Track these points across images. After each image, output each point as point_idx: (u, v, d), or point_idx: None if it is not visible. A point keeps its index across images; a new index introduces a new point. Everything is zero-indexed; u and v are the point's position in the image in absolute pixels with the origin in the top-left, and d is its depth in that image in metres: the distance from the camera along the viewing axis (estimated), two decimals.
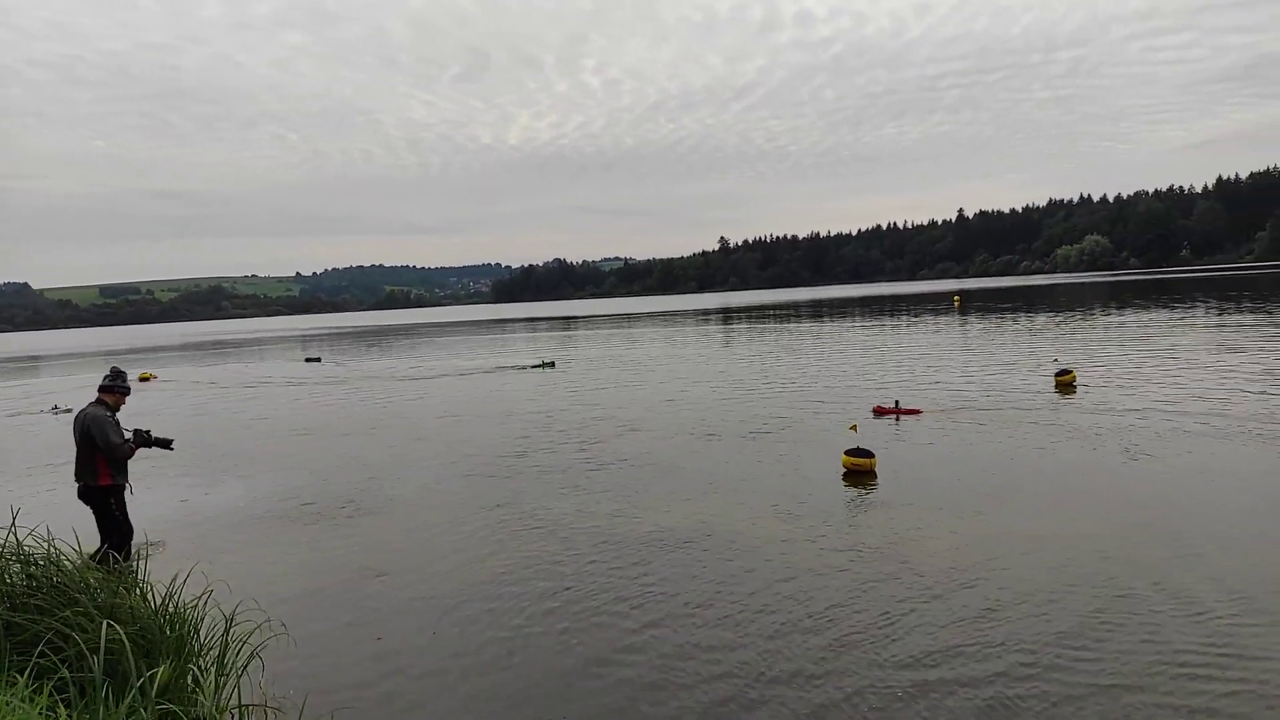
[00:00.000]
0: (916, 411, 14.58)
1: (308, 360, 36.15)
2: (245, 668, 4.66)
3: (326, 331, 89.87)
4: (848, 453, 10.41)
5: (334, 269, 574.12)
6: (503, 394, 21.00)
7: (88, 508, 7.41)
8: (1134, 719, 4.42)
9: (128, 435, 7.51)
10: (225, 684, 4.56)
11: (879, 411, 14.80)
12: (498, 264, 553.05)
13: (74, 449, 7.30)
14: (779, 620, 5.89)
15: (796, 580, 6.65)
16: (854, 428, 11.54)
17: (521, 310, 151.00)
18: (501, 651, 5.65)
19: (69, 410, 21.22)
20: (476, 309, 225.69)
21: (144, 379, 31.66)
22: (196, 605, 4.96)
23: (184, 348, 65.63)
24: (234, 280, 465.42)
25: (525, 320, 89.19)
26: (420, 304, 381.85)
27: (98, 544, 7.27)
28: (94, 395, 7.61)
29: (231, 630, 4.74)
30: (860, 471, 10.12)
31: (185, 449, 14.54)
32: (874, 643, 5.45)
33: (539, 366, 27.46)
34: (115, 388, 7.67)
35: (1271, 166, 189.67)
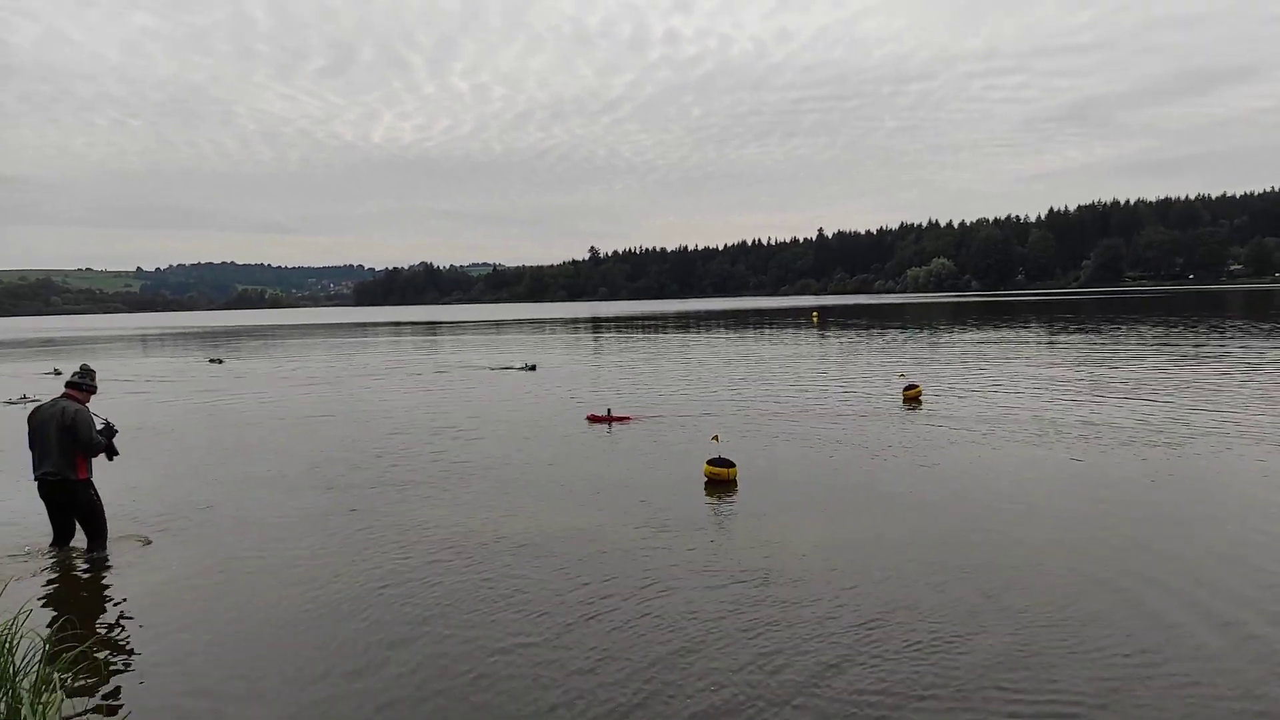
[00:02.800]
0: (627, 419, 15.42)
1: (211, 361, 34.03)
2: (69, 689, 4.29)
3: (168, 331, 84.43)
4: (709, 462, 10.60)
5: (180, 265, 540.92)
6: (361, 398, 20.29)
7: (42, 502, 7.76)
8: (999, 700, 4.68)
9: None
10: (48, 710, 4.19)
11: (593, 419, 15.47)
12: (360, 265, 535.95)
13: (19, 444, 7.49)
14: (649, 626, 5.91)
15: (657, 584, 6.69)
16: (716, 438, 11.77)
17: (385, 314, 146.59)
18: (339, 669, 5.42)
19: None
20: (338, 311, 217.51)
21: None
22: (10, 625, 4.53)
23: (1, 344, 60.15)
24: (66, 273, 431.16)
25: (390, 325, 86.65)
26: (276, 304, 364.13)
27: (53, 536, 7.86)
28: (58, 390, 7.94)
29: (52, 652, 4.34)
30: (721, 481, 10.33)
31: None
32: (738, 643, 5.55)
33: (523, 368, 26.95)
34: (85, 385, 7.94)
35: (1097, 200, 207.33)
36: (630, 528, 8.49)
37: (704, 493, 9.94)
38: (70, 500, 7.78)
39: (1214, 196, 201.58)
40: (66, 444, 7.64)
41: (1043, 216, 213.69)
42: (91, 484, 7.89)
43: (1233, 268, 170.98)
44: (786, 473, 10.91)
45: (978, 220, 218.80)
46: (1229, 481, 9.86)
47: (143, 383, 26.28)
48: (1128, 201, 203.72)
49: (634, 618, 6.11)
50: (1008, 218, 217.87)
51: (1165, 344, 28.95)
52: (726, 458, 10.64)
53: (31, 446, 7.84)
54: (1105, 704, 4.75)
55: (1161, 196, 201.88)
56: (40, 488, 7.79)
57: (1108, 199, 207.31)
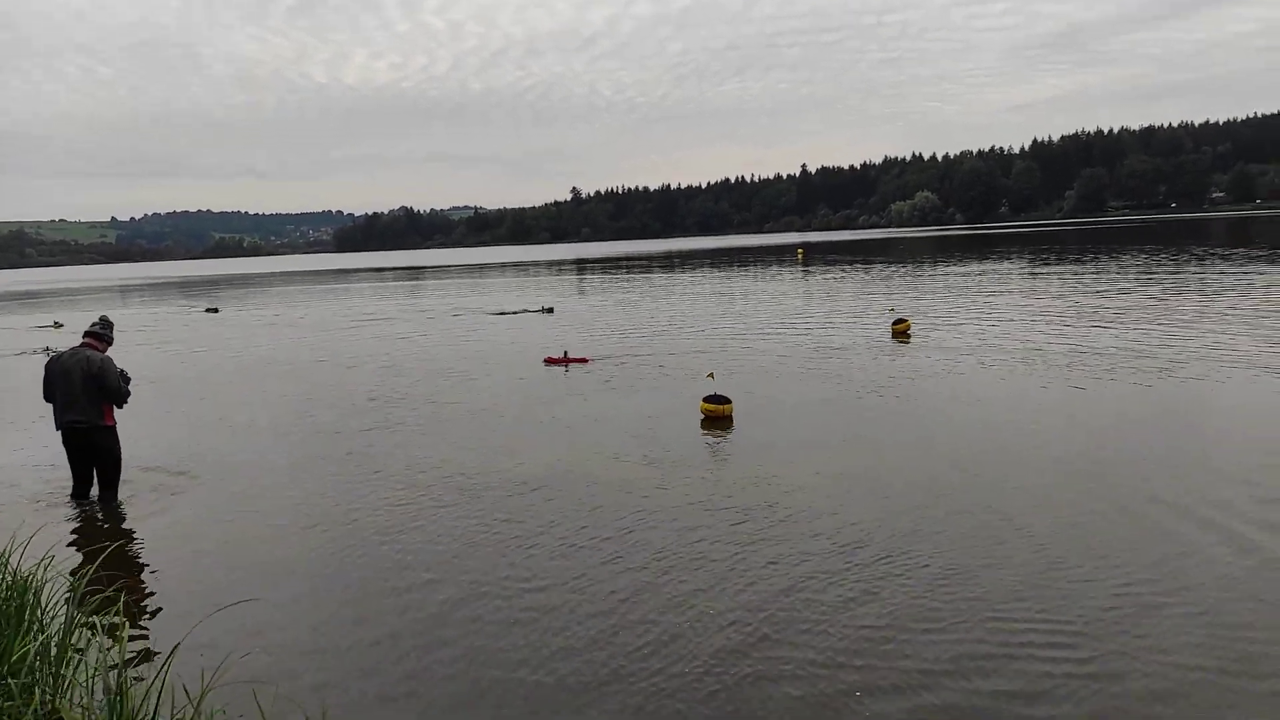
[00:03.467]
0: (585, 360, 15.53)
1: (207, 310, 33.86)
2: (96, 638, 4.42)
3: (150, 282, 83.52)
4: (705, 399, 10.77)
5: (155, 214, 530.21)
6: (355, 343, 20.30)
7: (63, 450, 8.01)
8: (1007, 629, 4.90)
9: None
10: (75, 658, 4.32)
11: (550, 362, 15.61)
12: (339, 211, 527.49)
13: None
14: (659, 565, 6.10)
15: (660, 523, 6.88)
16: (711, 375, 11.92)
17: (369, 260, 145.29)
18: (348, 613, 5.60)
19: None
20: (319, 258, 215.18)
21: None
22: (37, 570, 4.65)
23: None
24: (39, 225, 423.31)
25: (375, 270, 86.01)
26: (255, 253, 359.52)
27: (73, 486, 8.06)
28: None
29: (81, 599, 4.46)
30: (717, 417, 10.50)
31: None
32: (749, 578, 5.75)
33: (540, 310, 26.68)
34: (106, 335, 8.21)
35: (1081, 130, 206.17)
36: (628, 465, 8.66)
37: (700, 429, 10.11)
38: (96, 447, 7.95)
39: (1197, 124, 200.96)
40: (93, 392, 7.82)
41: (1026, 147, 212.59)
42: (115, 431, 8.07)
43: (1215, 195, 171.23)
44: (781, 408, 11.09)
45: (961, 153, 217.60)
46: (1224, 402, 10.12)
47: (145, 333, 26.15)
48: (1111, 130, 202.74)
49: (636, 554, 6.29)
50: (991, 149, 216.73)
51: (1148, 272, 29.20)
52: (722, 394, 10.80)
53: (50, 396, 7.95)
54: (1126, 628, 4.86)
55: (1145, 124, 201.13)
56: (66, 435, 7.91)
57: (1091, 128, 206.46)
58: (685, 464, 8.60)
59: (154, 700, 3.18)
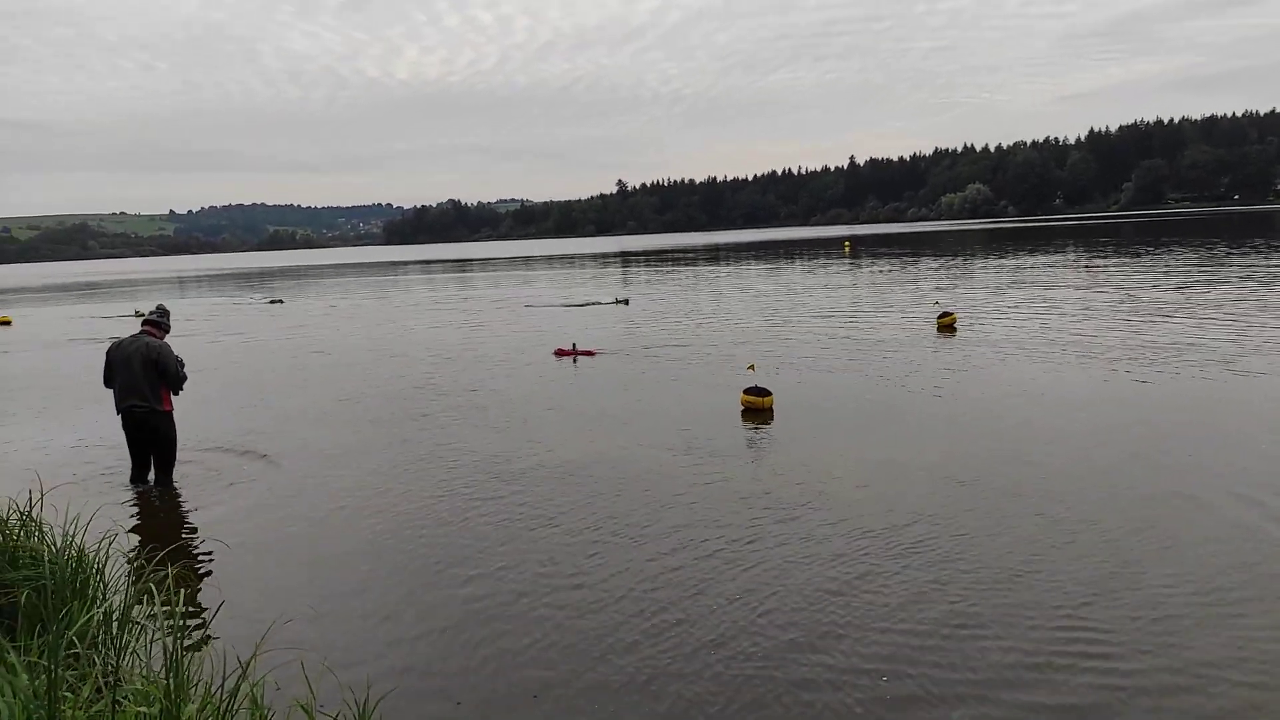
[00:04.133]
0: (591, 352, 15.82)
1: (271, 302, 34.74)
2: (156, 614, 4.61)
3: (212, 273, 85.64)
4: (746, 391, 10.78)
5: (211, 207, 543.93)
6: (407, 333, 20.66)
7: (123, 433, 8.28)
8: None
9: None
10: (134, 631, 4.52)
11: (560, 353, 15.92)
12: (389, 204, 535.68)
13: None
14: (710, 552, 6.17)
15: (709, 513, 6.94)
16: (751, 367, 11.92)
17: (416, 253, 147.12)
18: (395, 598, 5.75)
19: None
20: (369, 251, 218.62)
21: (2, 323, 29.90)
22: (100, 549, 4.86)
23: (47, 289, 61.46)
24: (101, 218, 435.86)
25: (420, 263, 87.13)
26: (307, 245, 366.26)
27: (132, 469, 8.37)
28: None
29: (138, 574, 4.66)
30: (758, 409, 10.51)
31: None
32: (799, 577, 5.80)
33: (614, 302, 26.80)
34: (164, 324, 8.53)
35: (1139, 120, 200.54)
36: (670, 457, 8.73)
37: (740, 421, 10.14)
38: (154, 431, 8.23)
39: (1261, 113, 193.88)
40: (153, 377, 8.12)
41: (1082, 138, 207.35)
42: (172, 416, 8.37)
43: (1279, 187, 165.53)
44: (823, 401, 11.07)
45: (1015, 143, 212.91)
46: None
47: (212, 321, 26.91)
48: (1171, 120, 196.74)
49: (687, 549, 6.36)
50: (1045, 140, 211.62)
51: (1207, 265, 28.40)
52: (763, 387, 10.80)
53: (110, 381, 8.26)
54: (1206, 636, 4.70)
55: (1206, 114, 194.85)
56: (126, 419, 8.20)
57: (1150, 118, 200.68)
58: (725, 456, 8.63)
59: (208, 666, 3.33)
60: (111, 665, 3.19)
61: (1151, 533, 6.05)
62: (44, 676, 2.55)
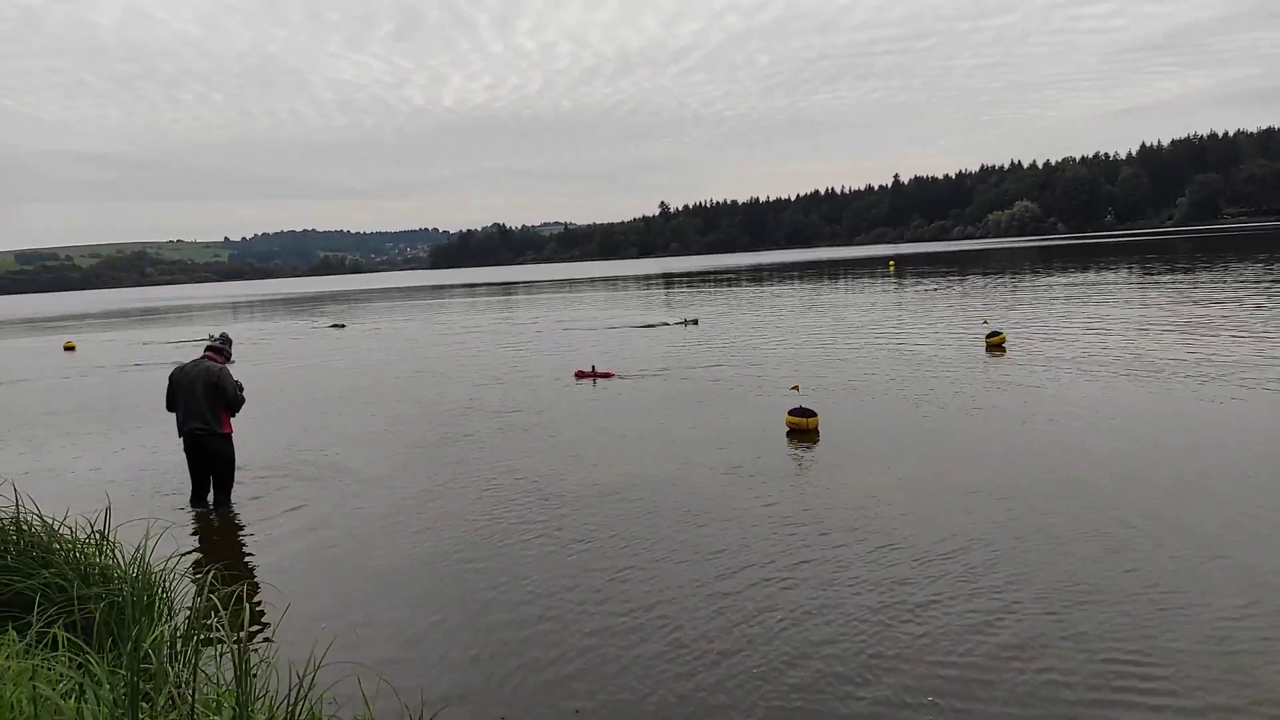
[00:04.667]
0: (610, 375, 16.08)
1: (333, 326, 35.51)
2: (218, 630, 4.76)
3: (265, 298, 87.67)
4: (791, 412, 10.77)
5: (264, 234, 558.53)
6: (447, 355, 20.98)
7: (184, 455, 8.56)
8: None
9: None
10: (200, 646, 4.66)
11: (579, 375, 16.19)
12: (434, 229, 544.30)
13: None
14: (755, 574, 6.19)
15: (757, 538, 6.95)
16: (796, 388, 11.90)
17: (462, 276, 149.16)
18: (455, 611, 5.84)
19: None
20: (416, 275, 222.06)
21: (67, 348, 31.02)
22: (165, 567, 5.03)
23: (108, 315, 63.45)
24: (159, 245, 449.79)
25: (466, 286, 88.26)
26: (356, 270, 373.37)
27: (192, 491, 8.61)
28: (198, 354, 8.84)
29: (208, 593, 4.81)
30: (803, 430, 10.49)
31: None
32: (845, 593, 5.79)
33: (683, 323, 26.69)
34: (225, 351, 8.89)
35: (1192, 134, 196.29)
36: (717, 475, 8.75)
37: (786, 442, 10.12)
38: (214, 453, 8.49)
39: None
40: (214, 400, 8.43)
41: (1134, 153, 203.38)
42: (232, 439, 8.63)
43: None
44: (870, 422, 11.00)
45: (1063, 159, 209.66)
46: None
47: (274, 343, 27.61)
48: (1226, 133, 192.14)
49: (736, 576, 6.38)
50: (1095, 156, 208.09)
51: (1265, 281, 27.64)
52: (808, 408, 10.78)
53: (173, 405, 8.56)
54: (1270, 656, 4.67)
55: (1263, 127, 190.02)
56: (188, 441, 8.48)
57: (1204, 131, 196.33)
58: (772, 478, 8.63)
59: (272, 680, 3.45)
60: (183, 677, 3.32)
61: (1219, 561, 5.92)
62: (123, 686, 2.68)
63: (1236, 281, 29.31)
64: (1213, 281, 30.14)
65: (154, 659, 3.26)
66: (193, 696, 2.76)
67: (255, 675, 3.49)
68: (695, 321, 26.76)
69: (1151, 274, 36.94)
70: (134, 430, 13.28)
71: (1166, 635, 4.85)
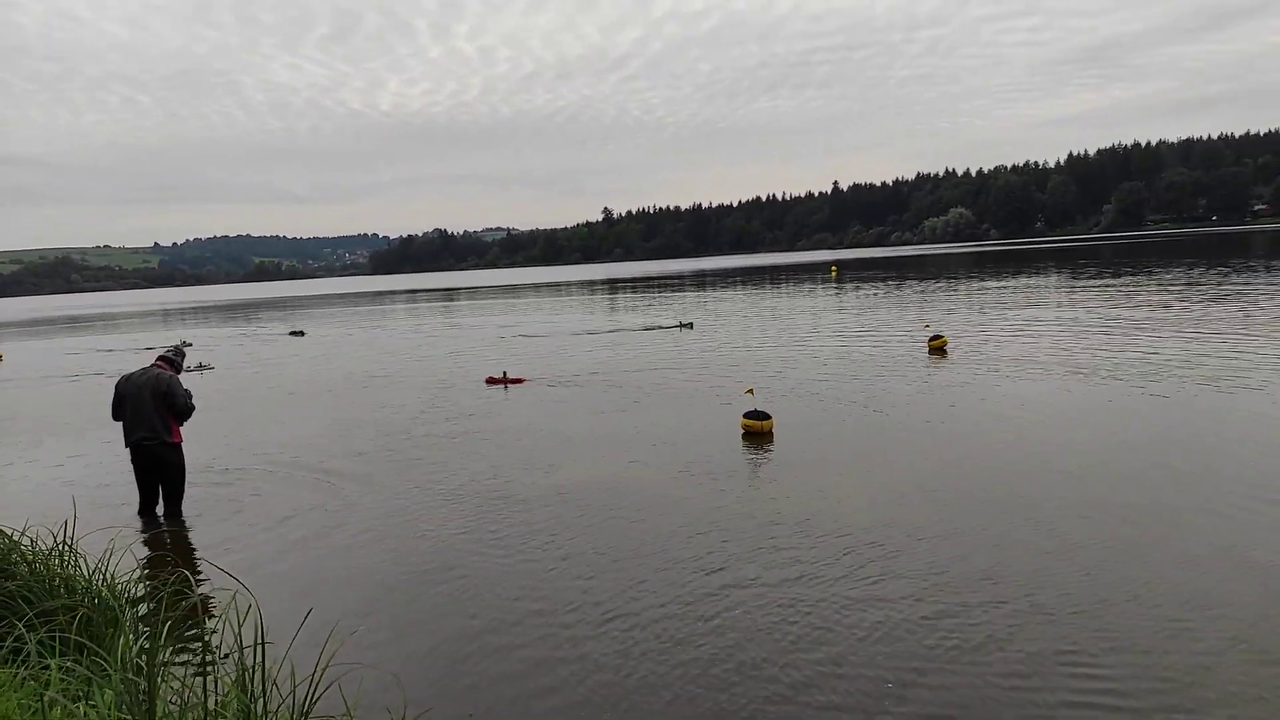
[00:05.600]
0: (521, 380, 16.34)
1: (292, 334, 34.33)
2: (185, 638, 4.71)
3: (199, 305, 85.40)
4: (746, 415, 10.95)
5: (195, 239, 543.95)
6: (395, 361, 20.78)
7: (132, 466, 8.35)
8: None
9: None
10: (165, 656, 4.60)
11: (490, 381, 16.48)
12: (374, 234, 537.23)
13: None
14: (706, 573, 6.31)
15: (710, 533, 7.08)
16: (750, 391, 12.09)
17: (404, 282, 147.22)
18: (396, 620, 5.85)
19: (211, 367, 22.12)
20: (356, 281, 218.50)
21: None
22: (129, 577, 4.95)
23: (33, 323, 61.19)
24: (85, 251, 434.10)
25: (408, 292, 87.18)
26: (293, 276, 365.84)
27: (140, 501, 8.41)
28: (148, 361, 8.73)
29: (169, 601, 4.75)
30: (758, 433, 10.67)
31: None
32: (799, 586, 5.94)
33: (678, 327, 26.49)
34: (176, 362, 8.73)
35: (1117, 144, 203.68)
36: (669, 478, 8.87)
37: (742, 445, 10.30)
38: (163, 463, 8.31)
39: (1237, 135, 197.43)
40: (163, 409, 8.24)
41: (1062, 162, 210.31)
42: (181, 449, 8.46)
43: (1257, 208, 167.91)
44: (819, 424, 11.24)
45: (995, 168, 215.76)
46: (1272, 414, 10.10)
47: (233, 352, 26.85)
48: (1149, 143, 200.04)
49: (691, 569, 6.50)
50: (1026, 164, 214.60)
51: (1189, 285, 28.87)
52: (762, 410, 10.97)
53: (119, 415, 8.34)
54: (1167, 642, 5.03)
55: (1183, 137, 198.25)
56: (136, 452, 8.28)
57: (1128, 141, 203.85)
58: (725, 476, 8.78)
59: (249, 681, 3.45)
60: (185, 682, 3.30)
61: (1162, 546, 6.24)
62: (121, 688, 2.67)
63: (1160, 286, 30.55)
64: (1138, 286, 31.36)
65: (144, 666, 3.24)
66: (204, 697, 2.76)
67: (254, 679, 3.46)
68: (690, 325, 26.71)
69: (1081, 279, 38.25)
70: (75, 440, 12.88)
71: (1112, 613, 5.11)
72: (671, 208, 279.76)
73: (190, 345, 29.21)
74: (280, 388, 18.09)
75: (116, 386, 8.47)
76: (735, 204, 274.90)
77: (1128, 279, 35.51)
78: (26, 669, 3.33)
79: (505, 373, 16.68)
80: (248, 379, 20.07)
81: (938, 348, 17.35)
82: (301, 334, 33.91)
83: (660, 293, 51.56)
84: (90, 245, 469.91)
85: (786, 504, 7.77)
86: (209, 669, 3.72)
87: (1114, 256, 60.26)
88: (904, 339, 19.70)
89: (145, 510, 8.45)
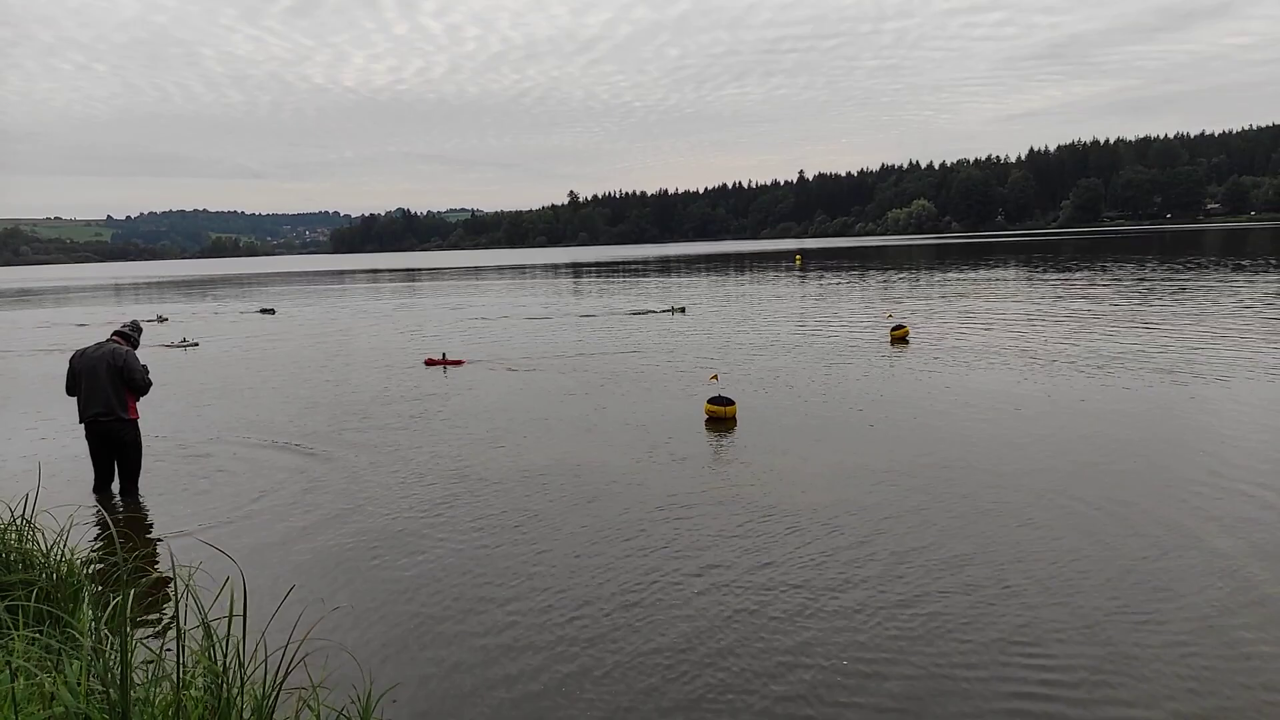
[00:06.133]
0: (460, 362, 16.57)
1: (262, 311, 33.46)
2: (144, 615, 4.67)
3: (155, 280, 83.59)
4: (710, 401, 11.04)
5: (150, 213, 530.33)
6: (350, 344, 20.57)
7: (86, 442, 8.18)
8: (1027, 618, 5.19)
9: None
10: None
11: (429, 363, 16.73)
12: (336, 212, 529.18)
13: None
14: (668, 552, 6.38)
15: (675, 519, 7.16)
16: (715, 377, 12.20)
17: (366, 261, 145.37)
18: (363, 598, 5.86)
19: (195, 344, 21.48)
20: (316, 259, 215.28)
21: None
22: (89, 552, 4.89)
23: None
24: (35, 223, 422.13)
25: (369, 271, 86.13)
26: (251, 253, 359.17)
27: (95, 479, 8.25)
28: (102, 336, 8.52)
29: (128, 577, 4.70)
30: (721, 418, 10.77)
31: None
32: (761, 568, 6.03)
33: (670, 311, 26.26)
34: (133, 338, 8.59)
35: (1077, 140, 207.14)
36: (633, 462, 8.94)
37: (705, 430, 10.39)
38: (119, 440, 8.16)
39: (1192, 135, 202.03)
40: (119, 384, 8.09)
41: (1023, 157, 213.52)
42: (138, 425, 8.32)
43: (1210, 207, 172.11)
44: (783, 411, 11.37)
45: (958, 161, 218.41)
46: (1230, 406, 10.41)
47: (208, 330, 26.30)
48: (1107, 141, 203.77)
49: (656, 554, 6.57)
50: (988, 158, 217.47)
51: (1142, 280, 29.57)
52: (726, 396, 11.07)
53: (74, 390, 8.18)
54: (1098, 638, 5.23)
55: (1141, 135, 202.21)
56: (91, 428, 8.12)
57: (1087, 138, 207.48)
58: (692, 462, 8.87)
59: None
60: (160, 651, 3.28)
61: (1143, 569, 6.44)
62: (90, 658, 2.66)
63: (1116, 280, 31.23)
64: (1091, 280, 32.03)
65: (110, 637, 3.21)
66: (179, 663, 2.75)
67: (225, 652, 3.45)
68: (683, 310, 26.62)
69: (1039, 273, 38.96)
70: (27, 414, 12.61)
71: (1080, 599, 5.27)
72: (638, 193, 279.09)
73: (166, 320, 28.72)
74: (251, 366, 17.83)
75: (71, 361, 8.30)
76: (701, 191, 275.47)
77: (1085, 273, 36.24)
78: None
79: (445, 354, 16.86)
80: (219, 357, 19.74)
81: (900, 337, 17.59)
82: (272, 312, 33.17)
83: (628, 278, 51.53)
84: (40, 217, 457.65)
85: (750, 489, 7.87)
86: (173, 643, 3.69)
87: (1071, 251, 61.43)
88: (867, 328, 19.94)
89: (100, 487, 8.31)
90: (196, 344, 21.81)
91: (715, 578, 5.84)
